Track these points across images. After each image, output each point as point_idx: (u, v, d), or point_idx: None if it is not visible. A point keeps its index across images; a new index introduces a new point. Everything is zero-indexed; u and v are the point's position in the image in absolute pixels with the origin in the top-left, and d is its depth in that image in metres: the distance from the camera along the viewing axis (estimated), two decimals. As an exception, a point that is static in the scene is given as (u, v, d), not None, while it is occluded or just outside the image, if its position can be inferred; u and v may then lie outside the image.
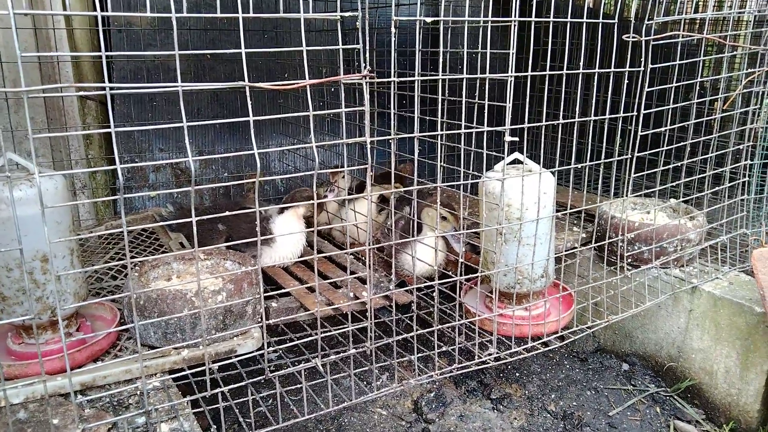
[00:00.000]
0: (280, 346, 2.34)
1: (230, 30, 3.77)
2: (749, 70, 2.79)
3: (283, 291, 2.75)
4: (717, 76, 2.92)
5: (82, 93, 2.01)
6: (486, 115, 2.05)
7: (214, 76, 3.88)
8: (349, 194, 3.42)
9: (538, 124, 2.16)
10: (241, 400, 2.16)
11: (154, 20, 3.65)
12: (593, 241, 2.81)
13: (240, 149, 4.11)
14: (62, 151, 3.62)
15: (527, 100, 2.07)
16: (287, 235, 2.90)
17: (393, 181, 2.26)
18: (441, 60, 2.03)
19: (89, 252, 3.27)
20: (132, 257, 3.20)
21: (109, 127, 3.86)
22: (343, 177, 3.60)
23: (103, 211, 3.89)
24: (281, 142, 4.28)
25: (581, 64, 2.20)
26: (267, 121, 3.99)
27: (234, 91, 3.93)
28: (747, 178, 3.12)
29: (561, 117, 2.17)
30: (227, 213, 1.93)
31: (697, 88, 2.70)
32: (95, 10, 3.71)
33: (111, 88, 1.50)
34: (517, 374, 3.24)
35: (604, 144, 2.42)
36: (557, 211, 2.60)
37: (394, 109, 2.20)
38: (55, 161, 3.55)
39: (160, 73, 3.74)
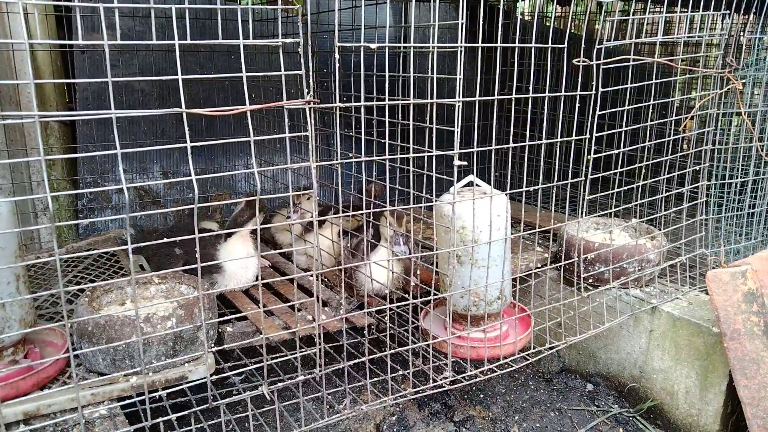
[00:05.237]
0: (233, 372, 2.30)
1: (195, 52, 3.76)
2: (703, 92, 2.82)
3: (240, 315, 2.72)
4: (667, 99, 2.95)
5: (12, 120, 2.00)
6: (435, 138, 2.06)
7: (179, 97, 3.84)
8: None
9: (488, 147, 2.17)
10: (188, 428, 2.12)
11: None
12: (549, 263, 2.81)
13: (206, 169, 4.10)
14: (23, 172, 3.58)
15: (476, 123, 2.08)
16: (236, 260, 2.87)
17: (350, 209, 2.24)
18: (387, 85, 2.03)
19: (47, 275, 3.22)
20: (90, 280, 3.19)
21: (74, 149, 3.83)
22: (308, 198, 3.58)
23: (66, 232, 3.84)
24: (248, 161, 4.26)
25: (530, 88, 2.22)
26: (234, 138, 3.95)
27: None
28: (706, 198, 3.14)
29: (511, 138, 2.18)
30: (174, 239, 1.90)
31: (651, 109, 2.72)
32: (59, 33, 3.70)
33: (41, 117, 1.48)
34: (482, 395, 3.22)
35: (556, 163, 2.43)
36: (523, 230, 2.60)
37: (341, 130, 2.19)
38: (15, 183, 3.50)
39: (123, 93, 3.72)
